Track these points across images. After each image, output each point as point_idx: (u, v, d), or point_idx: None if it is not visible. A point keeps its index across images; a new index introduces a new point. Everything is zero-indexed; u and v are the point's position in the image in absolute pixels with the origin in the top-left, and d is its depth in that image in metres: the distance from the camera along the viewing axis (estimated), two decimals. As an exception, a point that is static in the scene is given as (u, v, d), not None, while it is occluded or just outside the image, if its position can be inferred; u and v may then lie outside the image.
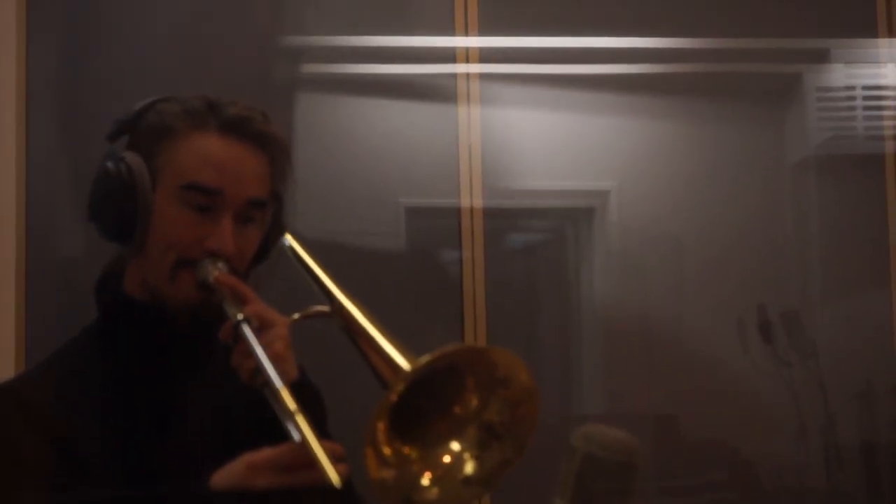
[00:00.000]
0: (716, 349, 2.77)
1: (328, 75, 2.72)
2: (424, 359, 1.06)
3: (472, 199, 2.68)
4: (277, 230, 1.43)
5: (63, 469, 1.23)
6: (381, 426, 1.08)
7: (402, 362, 1.11)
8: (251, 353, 1.20)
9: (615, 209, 2.79)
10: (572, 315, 2.81)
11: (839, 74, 2.88)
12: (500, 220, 2.73)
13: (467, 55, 2.72)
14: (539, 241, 2.89)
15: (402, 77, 2.73)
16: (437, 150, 2.70)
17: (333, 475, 1.05)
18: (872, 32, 2.87)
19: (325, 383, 1.39)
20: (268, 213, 1.38)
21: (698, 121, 2.84)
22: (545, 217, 2.87)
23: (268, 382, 1.17)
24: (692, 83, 2.83)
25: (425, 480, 1.14)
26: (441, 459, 1.16)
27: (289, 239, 1.44)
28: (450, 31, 2.72)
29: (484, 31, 2.73)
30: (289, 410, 1.12)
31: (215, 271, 1.29)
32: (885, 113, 2.87)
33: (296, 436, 1.11)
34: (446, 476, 1.16)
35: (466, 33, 2.72)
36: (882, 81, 2.88)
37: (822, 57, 2.88)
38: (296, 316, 1.29)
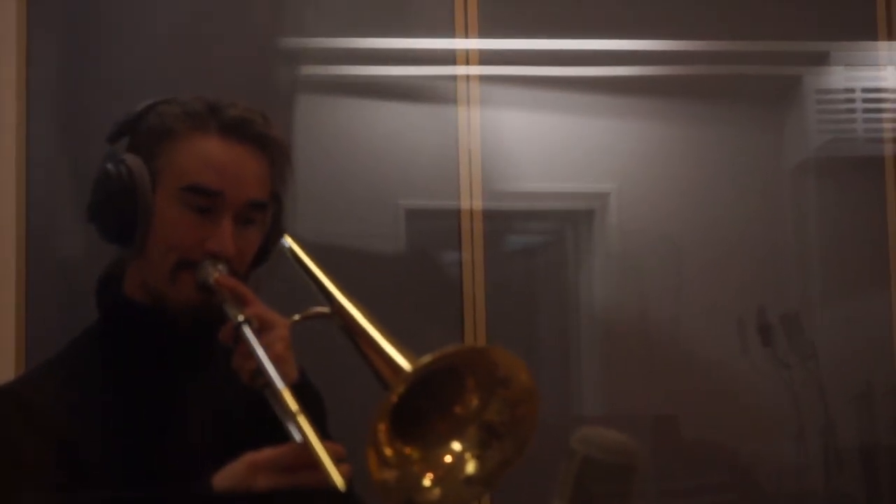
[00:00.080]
0: (715, 351, 2.77)
1: (328, 77, 2.72)
2: (425, 359, 1.07)
3: (471, 200, 2.68)
4: (277, 232, 1.43)
5: (63, 471, 1.23)
6: (382, 427, 1.08)
7: (403, 363, 1.11)
8: (252, 355, 1.20)
9: (615, 211, 2.79)
10: (572, 317, 2.81)
11: (839, 77, 2.88)
12: (499, 221, 2.73)
13: (467, 57, 2.72)
14: (539, 243, 2.90)
15: (401, 79, 2.73)
16: (437, 152, 2.70)
17: (338, 477, 1.05)
18: (872, 35, 2.87)
19: (326, 384, 1.40)
20: (268, 214, 1.38)
21: (698, 123, 2.84)
22: (545, 219, 2.87)
23: (269, 383, 1.17)
24: (692, 85, 2.83)
25: (427, 481, 1.15)
26: (442, 460, 1.16)
27: (288, 241, 1.45)
28: (450, 32, 2.72)
29: (484, 32, 2.73)
30: (290, 411, 1.12)
31: (215, 273, 1.29)
32: (885, 115, 2.87)
33: (298, 437, 1.11)
34: (448, 476, 1.16)
35: (466, 35, 2.72)
36: (882, 84, 2.88)
37: (821, 59, 2.88)
38: (296, 317, 1.29)
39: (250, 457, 1.14)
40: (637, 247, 2.79)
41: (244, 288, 1.28)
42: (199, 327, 1.32)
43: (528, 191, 2.77)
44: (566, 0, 2.80)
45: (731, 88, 2.85)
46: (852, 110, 2.88)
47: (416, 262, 2.71)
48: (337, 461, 1.07)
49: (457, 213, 2.68)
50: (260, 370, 1.18)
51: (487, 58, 2.73)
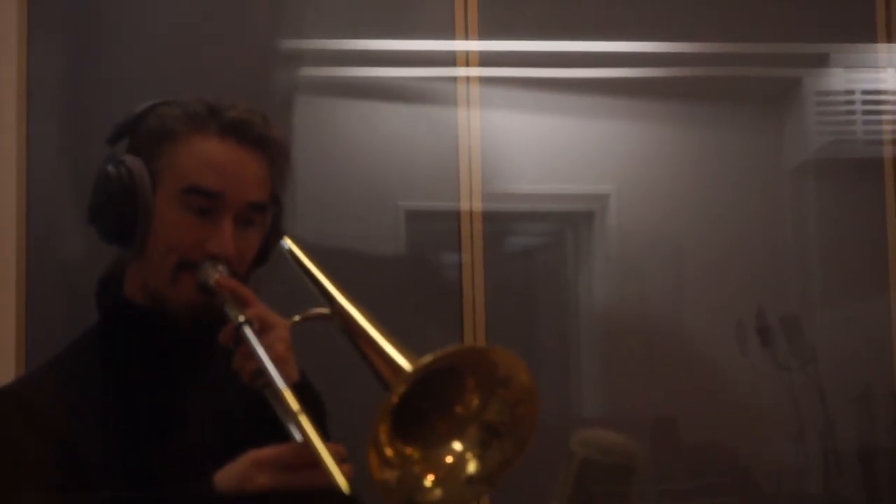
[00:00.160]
0: (715, 352, 2.77)
1: (328, 78, 2.73)
2: (426, 359, 1.07)
3: (471, 202, 2.68)
4: (277, 233, 1.43)
5: (63, 471, 1.23)
6: (383, 427, 1.08)
7: (403, 363, 1.11)
8: (253, 356, 1.20)
9: (614, 213, 2.79)
10: (571, 318, 2.81)
11: (839, 79, 2.88)
12: (499, 223, 2.73)
13: (467, 59, 2.72)
14: (538, 244, 2.90)
15: (401, 80, 2.73)
16: (436, 154, 2.70)
17: (341, 479, 1.05)
18: (872, 37, 2.87)
19: (326, 385, 1.40)
20: (268, 216, 1.38)
21: (698, 125, 2.84)
22: (544, 221, 2.88)
23: (270, 384, 1.17)
24: (692, 87, 2.84)
25: (428, 482, 1.15)
26: (443, 460, 1.16)
27: (288, 242, 1.45)
28: (450, 34, 2.73)
29: (484, 34, 2.73)
30: (292, 411, 1.12)
31: (216, 274, 1.29)
32: (885, 117, 2.87)
33: (299, 437, 1.11)
34: (449, 476, 1.16)
35: (466, 37, 2.72)
36: (881, 86, 2.88)
37: (821, 61, 2.88)
38: (296, 318, 1.29)
39: (252, 454, 1.14)
40: (636, 248, 2.79)
41: (244, 289, 1.28)
42: (199, 328, 1.32)
43: (527, 192, 2.77)
44: (566, 2, 2.81)
45: (730, 90, 2.86)
46: (852, 112, 2.88)
47: (415, 263, 2.71)
48: (339, 461, 1.07)
49: (456, 215, 2.68)
50: (261, 371, 1.18)
51: (487, 59, 2.73)
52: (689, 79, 2.83)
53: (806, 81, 2.88)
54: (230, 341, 1.25)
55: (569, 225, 2.86)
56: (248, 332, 1.22)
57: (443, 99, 2.71)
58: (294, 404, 1.13)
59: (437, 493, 1.15)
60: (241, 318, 1.23)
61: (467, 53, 2.72)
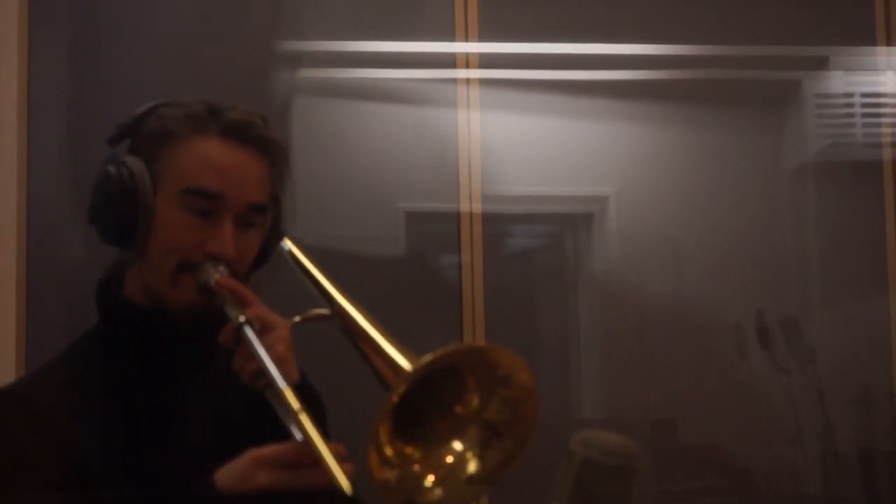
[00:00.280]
0: (714, 355, 2.77)
1: (328, 80, 2.73)
2: (426, 359, 1.07)
3: (471, 203, 2.68)
4: (277, 234, 1.43)
5: (64, 472, 1.23)
6: (383, 427, 1.09)
7: (404, 363, 1.12)
8: (253, 356, 1.20)
9: (614, 215, 2.80)
10: (571, 320, 2.81)
11: (838, 81, 2.88)
12: (499, 225, 2.73)
13: (467, 60, 2.73)
14: (538, 246, 2.90)
15: (401, 82, 2.73)
16: (436, 155, 2.70)
17: (343, 479, 1.05)
18: (871, 40, 2.88)
19: (326, 386, 1.40)
20: (268, 217, 1.38)
21: (697, 127, 2.84)
22: (544, 222, 2.88)
23: (271, 384, 1.17)
24: (691, 90, 2.84)
25: (428, 481, 1.15)
26: (444, 459, 1.17)
27: (288, 244, 1.45)
28: (450, 36, 2.73)
29: (484, 36, 2.73)
30: (293, 411, 1.12)
31: (216, 275, 1.29)
32: (884, 120, 2.87)
33: (300, 437, 1.11)
34: (449, 476, 1.16)
35: (466, 39, 2.73)
36: (881, 89, 2.88)
37: (821, 64, 2.89)
38: (296, 319, 1.29)
39: (252, 453, 1.14)
40: (636, 250, 2.79)
41: (245, 289, 1.28)
42: (200, 329, 1.32)
43: (527, 194, 2.78)
44: (566, 4, 2.81)
45: (730, 92, 2.86)
46: (851, 115, 2.88)
47: (415, 265, 2.71)
48: (339, 460, 1.08)
49: (456, 217, 2.68)
50: (262, 371, 1.19)
51: (487, 61, 2.73)
52: (689, 81, 2.83)
53: (805, 84, 2.89)
54: (231, 341, 1.25)
55: (568, 227, 2.87)
56: (249, 332, 1.22)
57: (443, 101, 2.72)
58: (295, 403, 1.13)
59: (438, 492, 1.15)
60: (242, 319, 1.24)
61: (467, 55, 2.73)
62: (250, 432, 1.24)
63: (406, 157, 2.70)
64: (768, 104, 2.90)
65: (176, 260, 1.31)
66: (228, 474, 1.15)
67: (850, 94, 2.88)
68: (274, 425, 1.17)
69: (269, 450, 1.14)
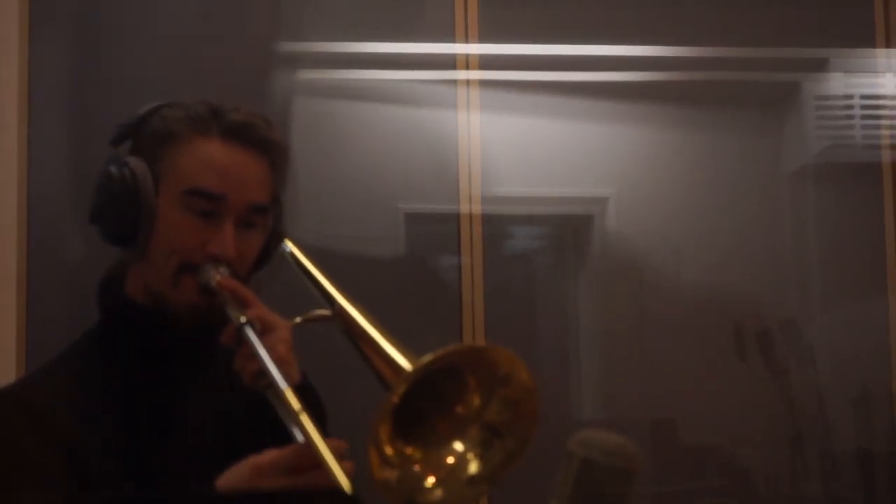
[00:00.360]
0: (713, 355, 2.77)
1: (328, 81, 2.73)
2: (426, 358, 1.07)
3: (471, 205, 2.69)
4: (278, 235, 1.43)
5: (64, 472, 1.23)
6: (383, 427, 1.09)
7: (404, 363, 1.12)
8: (254, 356, 1.20)
9: (613, 216, 2.80)
10: (570, 321, 2.81)
11: (837, 83, 2.89)
12: (498, 226, 2.73)
13: (467, 62, 2.73)
14: (537, 247, 2.90)
15: (402, 83, 2.73)
16: (436, 157, 2.70)
17: (343, 479, 1.05)
18: (871, 42, 2.88)
19: (327, 387, 1.40)
20: (269, 218, 1.39)
21: (697, 129, 2.85)
22: (544, 224, 2.88)
23: (272, 384, 1.17)
24: (691, 91, 2.84)
25: (429, 482, 1.15)
26: (444, 460, 1.17)
27: (289, 245, 1.45)
28: (450, 37, 2.73)
29: (484, 37, 2.74)
30: (293, 411, 1.12)
31: (217, 276, 1.29)
32: (883, 122, 2.88)
33: (301, 437, 1.11)
34: (450, 477, 1.16)
35: (467, 40, 2.73)
36: (880, 91, 2.89)
37: (820, 66, 2.89)
38: (297, 320, 1.30)
39: (253, 459, 1.14)
40: (635, 252, 2.79)
41: (246, 290, 1.29)
42: (200, 329, 1.32)
43: (526, 195, 2.78)
44: (566, 5, 2.81)
45: (730, 94, 2.86)
46: (851, 117, 2.89)
47: (415, 266, 2.71)
48: (340, 457, 1.08)
49: (456, 218, 2.68)
50: (263, 371, 1.19)
51: (487, 63, 2.74)
52: (689, 83, 2.83)
53: (805, 86, 2.89)
54: (232, 342, 1.25)
55: (568, 228, 2.87)
56: (250, 332, 1.22)
57: (443, 102, 2.72)
58: (295, 404, 1.13)
59: (438, 493, 1.15)
60: (243, 320, 1.24)
61: (467, 57, 2.73)
62: (250, 432, 1.24)
63: (406, 158, 2.70)
64: (768, 106, 2.90)
65: (177, 261, 1.31)
66: (229, 480, 1.15)
67: (850, 96, 2.89)
68: (274, 426, 1.17)
69: (270, 456, 1.13)
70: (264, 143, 1.34)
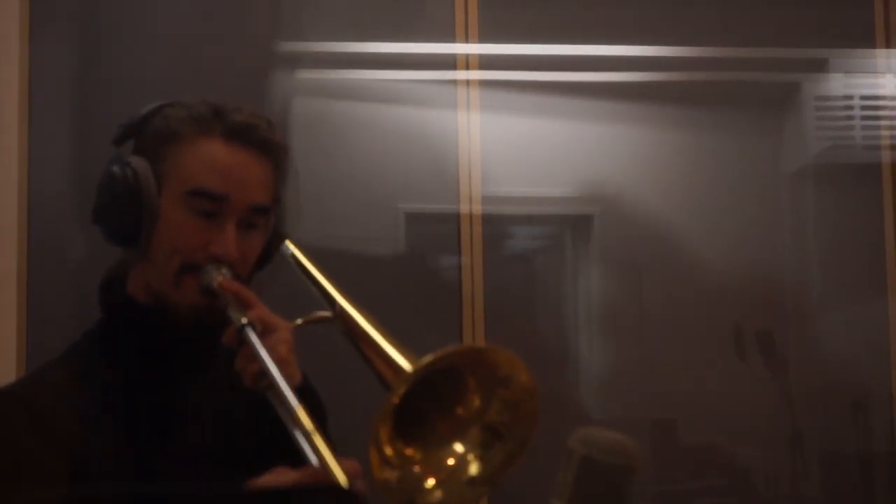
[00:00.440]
0: (713, 355, 2.77)
1: (328, 80, 2.73)
2: (426, 359, 1.07)
3: (471, 205, 2.69)
4: (279, 236, 1.43)
5: (64, 471, 1.23)
6: (384, 427, 1.09)
7: (404, 364, 1.12)
8: (255, 357, 1.20)
9: (613, 216, 2.80)
10: (571, 320, 2.81)
11: (837, 84, 2.89)
12: (498, 226, 2.73)
13: (467, 62, 2.73)
14: (537, 247, 2.90)
15: (402, 83, 2.74)
16: (436, 157, 2.71)
17: (339, 474, 1.05)
18: (870, 42, 2.88)
19: (328, 387, 1.40)
20: (271, 219, 1.39)
21: (697, 129, 2.85)
22: (544, 223, 2.88)
23: (272, 385, 1.17)
24: (691, 91, 2.84)
25: (429, 483, 1.15)
26: (444, 461, 1.17)
27: (290, 246, 1.45)
28: (450, 37, 2.73)
29: (484, 38, 2.74)
30: (307, 431, 1.11)
31: (219, 277, 1.29)
32: (883, 123, 2.88)
33: (300, 437, 1.11)
34: (450, 478, 1.16)
35: (467, 40, 2.73)
36: (880, 91, 2.89)
37: (820, 66, 2.89)
38: (298, 321, 1.30)
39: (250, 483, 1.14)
40: (635, 252, 2.80)
41: (247, 291, 1.29)
42: (201, 329, 1.32)
43: (526, 195, 2.78)
44: (566, 5, 2.81)
45: (730, 95, 2.86)
46: (851, 117, 2.89)
47: (415, 265, 2.71)
48: (353, 479, 1.07)
49: (456, 217, 2.69)
50: (264, 372, 1.19)
51: (487, 63, 2.74)
52: (689, 83, 2.84)
53: (805, 86, 2.89)
54: (233, 342, 1.25)
55: (568, 228, 2.87)
56: (251, 333, 1.23)
57: (443, 102, 2.72)
58: (308, 424, 1.11)
59: (438, 494, 1.15)
60: (244, 320, 1.24)
61: (467, 56, 2.73)
62: (250, 432, 1.25)
63: (406, 158, 2.70)
64: (768, 106, 2.90)
65: (179, 261, 1.31)
66: None
67: (850, 97, 2.89)
68: (274, 426, 1.17)
69: (266, 480, 1.13)
70: (266, 143, 1.34)
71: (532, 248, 2.89)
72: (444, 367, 1.11)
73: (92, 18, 2.64)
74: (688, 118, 2.84)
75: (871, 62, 2.89)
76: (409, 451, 1.14)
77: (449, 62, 2.73)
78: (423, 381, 1.09)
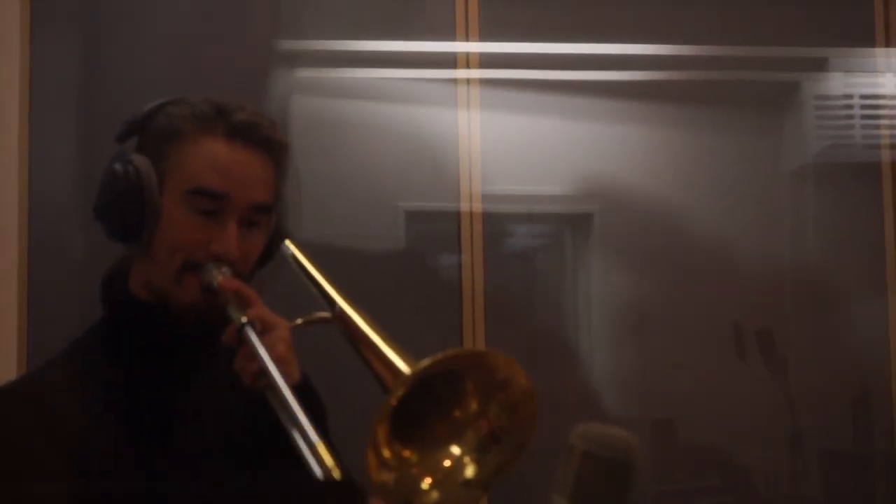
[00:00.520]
0: (712, 355, 2.77)
1: (328, 80, 2.73)
2: (424, 363, 1.07)
3: (471, 203, 2.69)
4: (280, 234, 1.44)
5: (66, 468, 1.24)
6: (381, 429, 1.09)
7: (403, 366, 1.12)
8: (254, 356, 1.21)
9: (613, 215, 2.80)
10: (571, 320, 2.82)
11: (837, 83, 2.89)
12: (498, 224, 2.74)
13: (468, 60, 2.73)
14: (537, 245, 2.90)
15: (402, 82, 2.74)
16: (436, 155, 2.71)
17: (328, 460, 1.05)
18: (870, 41, 2.88)
19: (327, 388, 1.40)
20: (272, 217, 1.39)
21: (697, 128, 2.85)
22: (544, 222, 2.88)
23: (271, 384, 1.17)
24: (691, 90, 2.84)
25: (425, 485, 1.15)
26: (441, 463, 1.17)
27: (290, 247, 1.45)
28: (450, 36, 2.73)
29: (484, 36, 2.74)
30: (327, 467, 1.11)
31: (219, 275, 1.29)
32: (883, 122, 2.88)
33: (298, 438, 1.12)
34: (446, 480, 1.17)
35: (467, 38, 2.73)
36: (880, 90, 2.89)
37: (820, 65, 2.89)
38: (298, 321, 1.30)
39: None
40: (635, 251, 2.80)
41: (247, 290, 1.29)
42: (202, 328, 1.33)
43: (527, 194, 2.78)
44: (566, 4, 2.81)
45: (729, 94, 2.86)
46: (850, 116, 2.89)
47: (415, 264, 2.71)
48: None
49: (456, 216, 2.69)
50: (263, 371, 1.19)
51: (488, 61, 2.74)
52: (689, 82, 2.84)
53: (805, 85, 2.89)
54: (233, 341, 1.25)
55: (568, 226, 2.87)
56: (251, 333, 1.23)
57: (443, 100, 2.72)
58: (329, 459, 1.10)
59: (434, 495, 1.15)
60: (244, 319, 1.24)
61: (468, 55, 2.73)
62: (250, 431, 1.25)
63: (406, 156, 2.70)
64: (767, 105, 2.90)
65: (181, 259, 1.31)
66: None
67: (850, 96, 2.89)
68: (274, 425, 1.17)
69: None
70: (268, 142, 1.35)
71: (532, 247, 2.89)
72: (443, 370, 1.12)
73: (92, 18, 2.64)
74: (687, 117, 2.84)
75: (870, 61, 2.89)
76: (406, 453, 1.15)
77: (449, 61, 2.73)
78: (422, 383, 1.09)
